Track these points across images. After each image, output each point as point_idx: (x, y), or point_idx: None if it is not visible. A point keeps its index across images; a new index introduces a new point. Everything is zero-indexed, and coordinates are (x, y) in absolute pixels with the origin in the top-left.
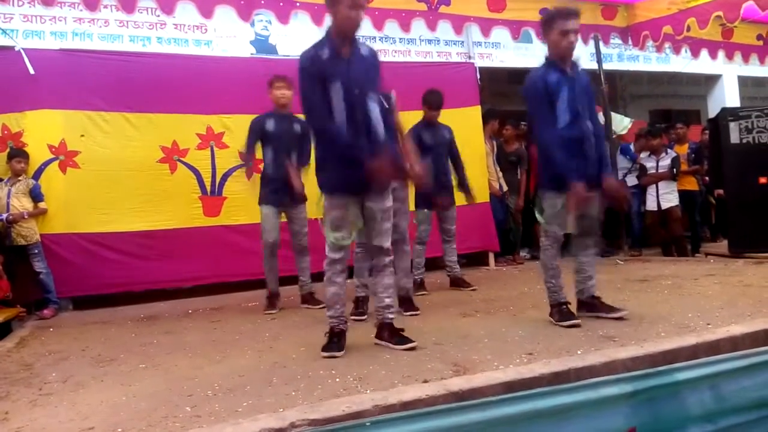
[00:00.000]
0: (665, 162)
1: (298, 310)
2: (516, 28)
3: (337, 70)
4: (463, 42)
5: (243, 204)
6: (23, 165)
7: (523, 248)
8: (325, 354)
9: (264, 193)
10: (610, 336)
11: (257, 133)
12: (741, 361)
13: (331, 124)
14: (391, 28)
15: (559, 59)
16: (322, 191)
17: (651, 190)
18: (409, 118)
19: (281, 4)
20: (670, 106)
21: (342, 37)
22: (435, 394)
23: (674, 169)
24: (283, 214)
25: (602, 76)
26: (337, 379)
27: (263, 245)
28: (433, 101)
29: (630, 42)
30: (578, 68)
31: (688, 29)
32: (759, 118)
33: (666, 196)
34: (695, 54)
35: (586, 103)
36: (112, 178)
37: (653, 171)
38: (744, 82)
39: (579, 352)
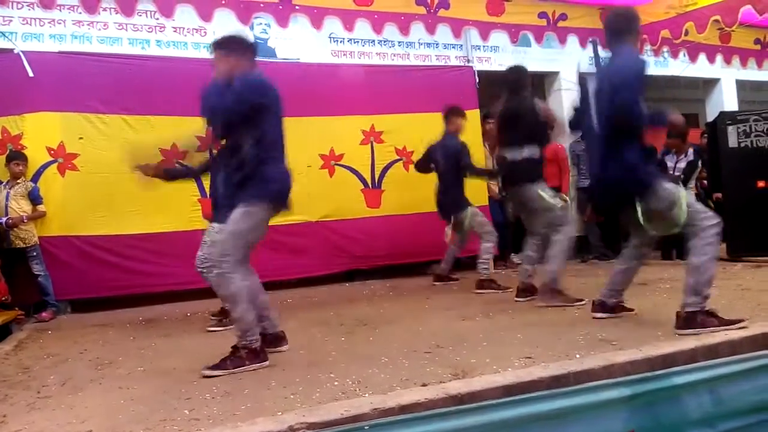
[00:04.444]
0: (681, 164)
1: (295, 313)
2: (515, 32)
3: None
4: (461, 45)
5: None
6: (22, 168)
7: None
8: None
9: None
10: (609, 339)
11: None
12: (740, 365)
13: None
14: (390, 31)
15: None
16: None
17: None
18: (408, 121)
19: (280, 7)
20: None
21: None
22: (434, 398)
23: (682, 175)
24: None
25: None
26: (336, 383)
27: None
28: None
29: None
30: None
31: (686, 33)
32: (757, 122)
33: None
34: (693, 58)
35: None
36: (110, 181)
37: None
38: (742, 85)
39: (578, 356)
